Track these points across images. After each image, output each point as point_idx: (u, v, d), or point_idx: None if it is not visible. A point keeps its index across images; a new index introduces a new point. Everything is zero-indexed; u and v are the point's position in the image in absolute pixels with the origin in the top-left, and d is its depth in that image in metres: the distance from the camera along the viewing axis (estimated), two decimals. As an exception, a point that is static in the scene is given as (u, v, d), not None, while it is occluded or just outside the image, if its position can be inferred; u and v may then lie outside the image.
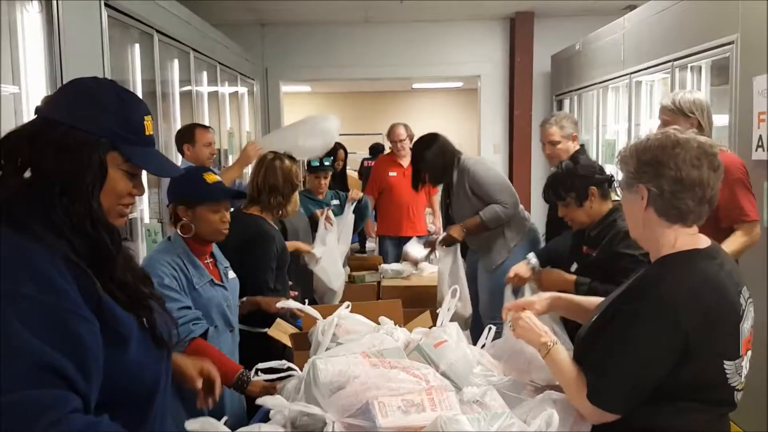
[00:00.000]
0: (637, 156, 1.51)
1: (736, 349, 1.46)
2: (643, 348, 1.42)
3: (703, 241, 1.53)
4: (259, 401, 1.41)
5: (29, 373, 0.99)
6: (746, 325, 1.48)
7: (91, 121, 1.17)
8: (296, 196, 2.93)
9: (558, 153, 3.44)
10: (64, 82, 2.62)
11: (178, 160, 4.09)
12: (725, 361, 1.44)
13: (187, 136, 3.89)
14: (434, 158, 3.76)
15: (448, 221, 3.93)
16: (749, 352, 1.51)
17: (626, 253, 2.28)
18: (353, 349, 1.67)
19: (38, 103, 2.61)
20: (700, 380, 1.44)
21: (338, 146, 6.04)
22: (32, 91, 2.59)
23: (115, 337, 1.12)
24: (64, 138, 1.14)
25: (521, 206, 3.79)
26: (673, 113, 2.80)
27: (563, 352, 1.60)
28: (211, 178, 2.25)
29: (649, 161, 1.48)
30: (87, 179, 1.15)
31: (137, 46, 3.90)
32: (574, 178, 2.55)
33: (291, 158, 3.01)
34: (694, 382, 1.44)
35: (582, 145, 3.52)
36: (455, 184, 3.72)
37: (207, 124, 5.31)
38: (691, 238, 1.52)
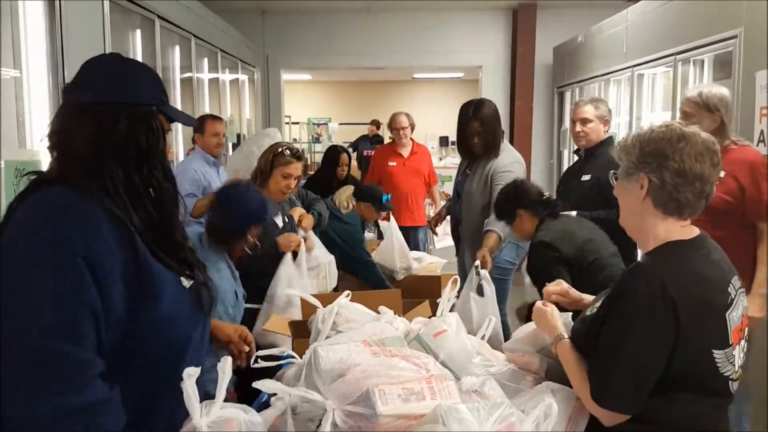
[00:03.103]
0: (641, 146, 1.52)
1: (725, 337, 1.47)
2: (638, 346, 1.43)
3: (693, 232, 1.55)
4: (258, 385, 1.42)
5: (72, 318, 1.15)
6: (735, 314, 1.49)
7: (146, 94, 1.32)
8: (281, 179, 2.88)
9: (587, 133, 3.34)
10: (66, 67, 2.64)
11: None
12: (714, 350, 1.45)
13: (197, 126, 4.04)
14: (492, 118, 3.54)
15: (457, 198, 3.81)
16: (742, 341, 1.52)
17: (535, 264, 2.68)
18: (354, 337, 1.68)
19: (36, 86, 2.64)
20: (690, 370, 1.45)
21: (341, 150, 5.28)
22: (33, 75, 2.58)
23: (148, 291, 1.25)
24: (135, 115, 1.29)
25: None
26: (698, 106, 2.72)
27: (573, 351, 1.61)
28: None
29: (652, 152, 1.50)
30: (159, 146, 1.32)
31: (138, 31, 3.88)
32: (504, 201, 2.90)
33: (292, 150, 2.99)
34: (685, 372, 1.45)
35: (611, 137, 3.45)
36: (483, 160, 3.53)
37: (207, 111, 5.31)
38: (681, 230, 1.54)
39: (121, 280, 1.22)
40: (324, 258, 3.48)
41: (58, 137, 1.30)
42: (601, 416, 1.48)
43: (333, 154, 5.12)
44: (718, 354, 1.46)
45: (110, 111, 1.27)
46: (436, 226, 4.22)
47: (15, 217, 1.24)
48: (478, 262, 3.01)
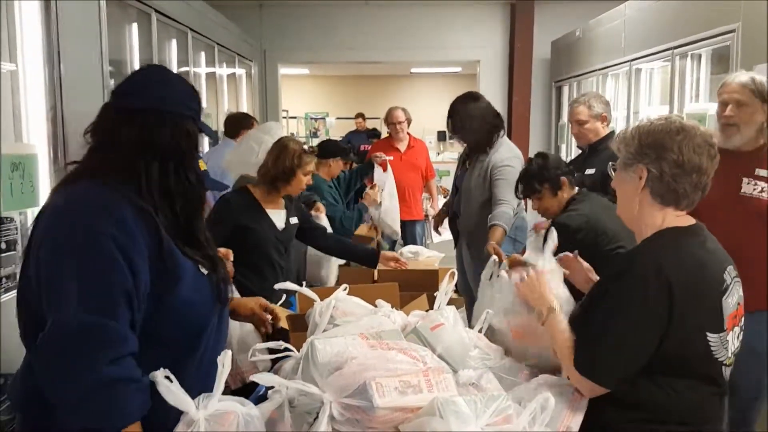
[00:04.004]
0: (640, 137, 1.55)
1: (720, 322, 1.50)
2: (629, 322, 1.46)
3: (689, 220, 1.58)
4: (256, 378, 1.42)
5: (108, 295, 1.26)
6: (731, 301, 1.52)
7: (185, 105, 1.45)
8: (303, 177, 2.93)
9: (584, 133, 3.38)
10: (62, 61, 2.62)
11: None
12: (708, 333, 1.48)
13: (247, 123, 4.56)
14: (469, 115, 3.51)
15: (455, 194, 3.82)
16: (736, 329, 1.55)
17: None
18: (351, 330, 1.68)
19: (32, 80, 2.63)
20: (685, 352, 1.47)
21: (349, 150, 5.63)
22: (29, 69, 2.57)
23: (170, 275, 1.37)
24: (176, 122, 1.42)
25: None
26: (752, 94, 2.39)
27: (564, 321, 1.62)
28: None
29: (651, 144, 1.53)
30: (195, 152, 1.48)
31: (135, 25, 3.87)
32: (546, 170, 2.79)
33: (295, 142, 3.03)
34: (680, 354, 1.47)
35: (612, 131, 3.46)
36: (482, 155, 3.51)
37: (204, 105, 5.32)
38: (678, 219, 1.57)
39: (147, 263, 1.33)
40: None
41: (102, 135, 1.41)
42: (582, 386, 1.51)
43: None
44: (712, 337, 1.48)
45: (157, 117, 1.40)
46: (438, 226, 4.22)
47: (51, 207, 1.37)
48: (495, 257, 2.89)
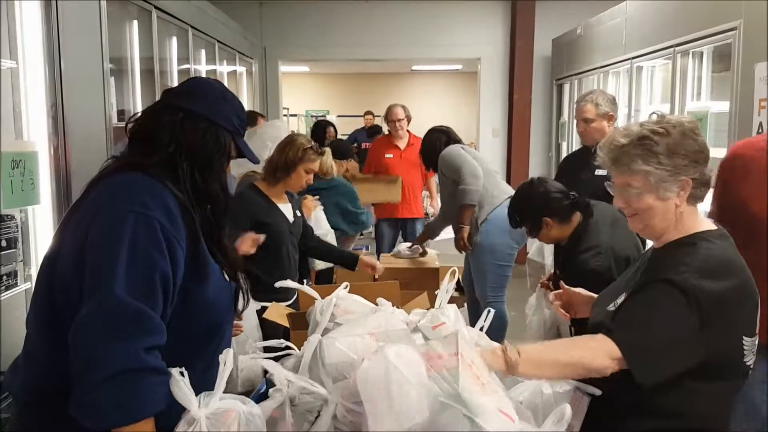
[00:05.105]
0: (674, 152, 1.47)
1: (755, 325, 1.49)
2: (671, 316, 1.40)
3: (711, 224, 1.56)
4: (264, 364, 1.43)
5: (151, 283, 1.27)
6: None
7: (226, 119, 1.51)
8: (303, 174, 2.93)
9: (590, 132, 3.36)
10: (62, 58, 2.61)
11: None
12: (744, 337, 1.46)
13: (251, 120, 4.50)
14: (425, 144, 4.13)
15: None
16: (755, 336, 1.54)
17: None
18: (359, 330, 1.67)
19: (32, 77, 2.63)
20: (719, 356, 1.44)
21: (327, 123, 6.06)
22: (30, 66, 2.56)
23: (200, 273, 1.41)
24: (210, 129, 1.48)
25: (494, 185, 3.87)
26: None
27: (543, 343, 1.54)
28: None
29: (686, 153, 1.47)
30: (221, 162, 1.51)
31: (135, 22, 3.86)
32: (527, 208, 2.58)
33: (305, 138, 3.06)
34: (713, 358, 1.43)
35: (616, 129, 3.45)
36: (440, 169, 4.00)
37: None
38: (701, 221, 1.55)
39: (184, 256, 1.37)
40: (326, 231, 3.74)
41: (145, 126, 1.49)
42: (599, 345, 1.41)
43: (318, 129, 5.81)
44: (747, 341, 1.46)
45: (202, 122, 1.48)
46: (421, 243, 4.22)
47: (97, 192, 1.39)
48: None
